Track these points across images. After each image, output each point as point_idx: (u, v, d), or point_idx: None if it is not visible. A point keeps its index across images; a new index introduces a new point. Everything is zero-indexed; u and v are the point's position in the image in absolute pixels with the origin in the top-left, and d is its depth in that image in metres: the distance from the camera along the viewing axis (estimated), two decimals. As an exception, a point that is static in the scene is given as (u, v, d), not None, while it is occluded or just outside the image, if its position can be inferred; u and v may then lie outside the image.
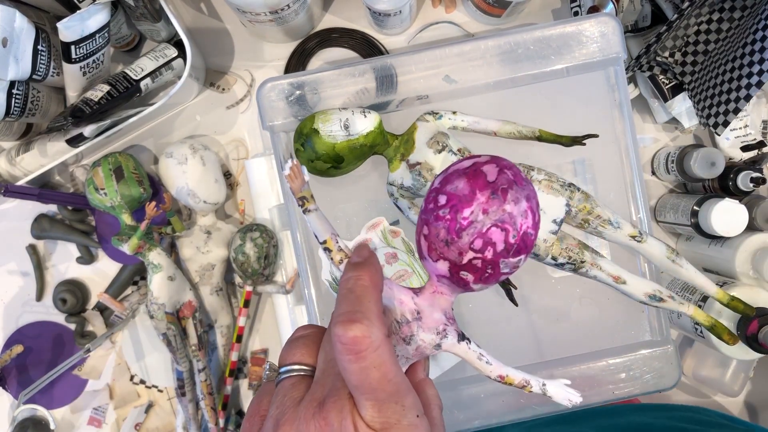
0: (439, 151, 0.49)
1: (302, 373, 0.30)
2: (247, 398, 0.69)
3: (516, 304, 0.51)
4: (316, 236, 0.32)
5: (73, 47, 0.54)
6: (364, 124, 0.49)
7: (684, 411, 0.57)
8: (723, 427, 0.52)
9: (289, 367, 0.30)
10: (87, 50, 0.55)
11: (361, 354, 0.25)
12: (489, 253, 0.26)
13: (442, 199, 0.27)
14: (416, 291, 0.30)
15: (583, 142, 0.51)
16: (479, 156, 0.28)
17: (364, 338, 0.25)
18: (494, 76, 0.53)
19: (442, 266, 0.28)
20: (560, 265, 0.48)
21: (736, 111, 0.54)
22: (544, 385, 0.31)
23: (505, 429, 0.55)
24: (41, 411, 0.65)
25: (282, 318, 0.65)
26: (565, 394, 0.32)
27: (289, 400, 0.28)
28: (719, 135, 0.60)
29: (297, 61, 0.68)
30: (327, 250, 0.32)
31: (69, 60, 0.55)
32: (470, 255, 0.27)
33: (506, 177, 0.27)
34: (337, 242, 0.32)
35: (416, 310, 0.30)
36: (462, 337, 0.30)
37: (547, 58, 0.52)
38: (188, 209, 0.68)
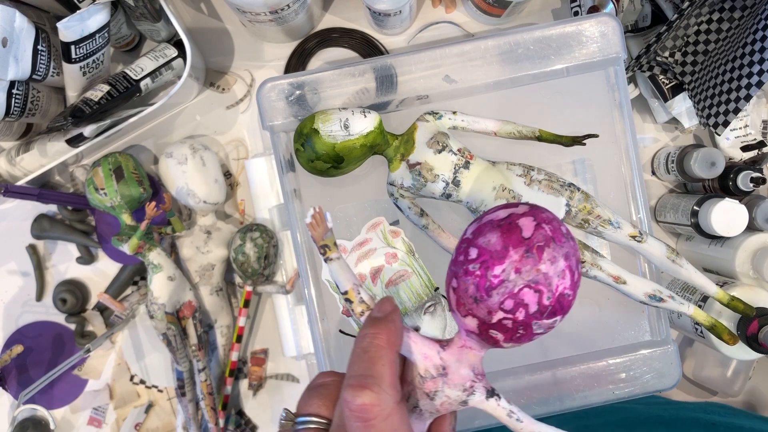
0: (439, 151, 0.49)
1: (318, 426, 0.29)
2: (247, 398, 0.69)
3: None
4: (337, 286, 0.31)
5: (73, 47, 0.54)
6: (364, 124, 0.49)
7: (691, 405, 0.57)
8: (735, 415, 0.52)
9: (305, 419, 0.30)
10: (87, 50, 0.55)
11: (370, 422, 0.25)
12: (521, 315, 0.25)
13: (473, 253, 0.26)
14: (443, 344, 0.29)
15: (583, 142, 0.51)
16: (516, 206, 0.26)
17: (374, 406, 0.25)
18: (494, 76, 0.53)
19: (471, 322, 0.26)
20: (560, 265, 0.48)
21: (736, 111, 0.54)
22: None
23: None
24: (41, 411, 0.65)
25: (282, 318, 0.65)
26: None
27: None
28: (719, 135, 0.60)
29: (297, 61, 0.68)
30: (348, 300, 0.31)
31: (69, 60, 0.55)
32: (500, 315, 0.25)
33: (543, 233, 0.25)
34: (359, 293, 0.31)
35: (442, 366, 0.28)
36: (491, 393, 0.29)
37: (547, 58, 0.52)
38: (188, 209, 0.68)
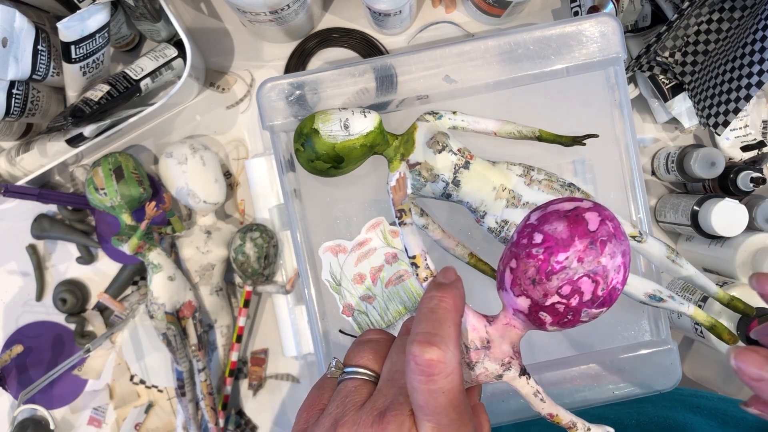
0: (440, 151, 0.49)
1: (366, 378, 0.30)
2: (247, 398, 0.69)
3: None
4: (405, 249, 0.33)
5: (73, 47, 0.54)
6: (364, 124, 0.49)
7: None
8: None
9: (354, 369, 0.31)
10: (87, 50, 0.55)
11: (433, 377, 0.26)
12: (574, 301, 0.27)
13: (538, 238, 0.27)
14: (489, 319, 0.31)
15: (583, 142, 0.51)
16: (581, 200, 0.28)
17: (439, 362, 0.26)
18: (494, 76, 0.53)
19: (523, 302, 0.28)
20: (560, 265, 0.48)
21: (736, 111, 0.54)
22: (589, 429, 0.32)
23: (503, 429, 0.55)
24: (41, 411, 0.65)
25: (282, 318, 0.65)
26: None
27: (351, 403, 0.28)
28: (719, 135, 0.60)
29: (297, 61, 0.68)
30: (414, 265, 0.32)
31: (69, 60, 0.55)
32: (555, 299, 0.27)
33: (607, 229, 0.27)
34: (426, 260, 0.32)
35: (486, 339, 0.30)
36: (524, 371, 0.31)
37: (547, 58, 0.52)
38: (188, 209, 0.68)
